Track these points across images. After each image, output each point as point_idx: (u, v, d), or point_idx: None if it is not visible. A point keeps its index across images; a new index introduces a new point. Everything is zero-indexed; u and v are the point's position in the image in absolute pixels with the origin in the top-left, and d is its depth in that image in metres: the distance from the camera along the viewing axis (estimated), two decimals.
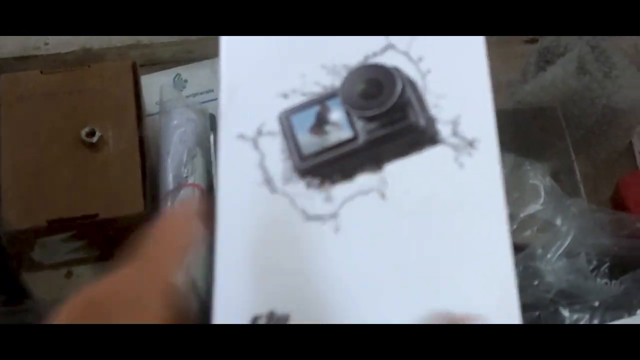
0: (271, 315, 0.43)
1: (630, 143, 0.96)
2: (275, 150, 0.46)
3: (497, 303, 0.43)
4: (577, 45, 0.89)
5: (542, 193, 0.73)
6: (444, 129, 0.46)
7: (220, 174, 0.46)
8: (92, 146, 0.83)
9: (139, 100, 0.87)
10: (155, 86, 0.93)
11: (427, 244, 0.44)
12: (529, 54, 0.95)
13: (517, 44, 1.01)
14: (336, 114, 0.46)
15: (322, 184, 0.45)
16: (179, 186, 0.81)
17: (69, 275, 0.88)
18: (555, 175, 0.83)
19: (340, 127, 0.46)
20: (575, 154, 0.87)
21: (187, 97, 0.95)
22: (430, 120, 0.46)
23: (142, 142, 0.84)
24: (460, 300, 0.43)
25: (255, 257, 0.44)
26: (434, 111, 0.46)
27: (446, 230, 0.44)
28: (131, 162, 0.83)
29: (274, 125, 0.46)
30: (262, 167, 0.45)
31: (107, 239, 0.84)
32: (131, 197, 0.81)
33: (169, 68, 0.99)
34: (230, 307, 0.43)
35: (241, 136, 0.46)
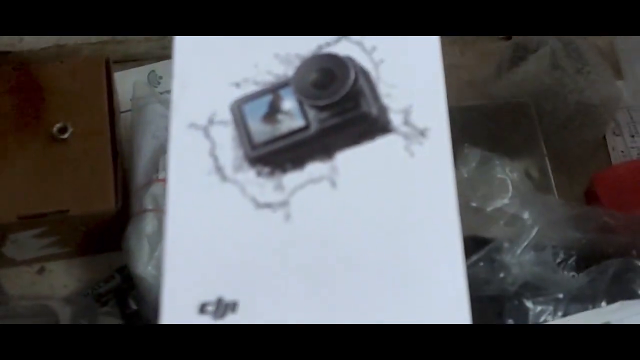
0: (219, 302, 0.43)
1: (604, 139, 0.96)
2: (226, 139, 0.46)
3: (446, 292, 0.43)
4: (550, 42, 0.89)
5: (510, 187, 0.73)
6: (395, 118, 0.46)
7: (170, 163, 0.46)
8: (64, 142, 0.83)
9: (112, 96, 0.86)
10: (129, 82, 0.93)
11: (377, 232, 0.44)
12: (503, 50, 0.95)
13: (491, 40, 1.01)
14: (288, 103, 0.46)
15: (272, 172, 0.45)
16: (149, 182, 0.81)
17: (41, 271, 0.87)
18: (527, 171, 0.83)
19: (293, 116, 0.46)
20: (549, 150, 0.87)
21: (162, 93, 0.95)
22: (382, 110, 0.46)
23: (114, 138, 0.84)
24: (411, 289, 0.43)
25: (204, 244, 0.44)
26: (386, 100, 0.46)
27: (396, 219, 0.44)
28: (103, 158, 0.83)
29: (225, 115, 0.46)
30: (213, 155, 0.45)
31: (79, 234, 0.84)
32: (102, 193, 0.81)
33: (144, 64, 0.98)
34: (179, 294, 0.43)
35: (193, 125, 0.46)
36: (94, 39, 0.98)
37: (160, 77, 0.97)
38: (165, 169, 0.81)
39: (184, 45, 0.49)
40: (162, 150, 0.83)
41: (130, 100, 0.91)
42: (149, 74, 0.98)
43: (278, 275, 0.43)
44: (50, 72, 0.87)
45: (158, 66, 0.98)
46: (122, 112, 0.92)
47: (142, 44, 0.99)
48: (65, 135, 0.83)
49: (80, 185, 0.81)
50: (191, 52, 0.49)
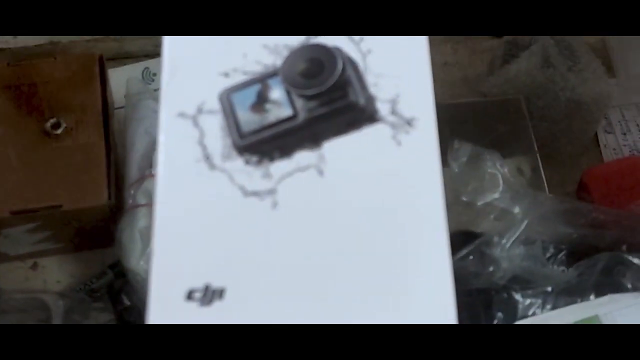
0: (207, 288, 0.43)
1: (596, 136, 0.96)
2: (215, 128, 0.46)
3: (432, 282, 0.44)
4: (541, 39, 0.90)
5: (500, 182, 0.73)
6: (383, 108, 0.46)
7: (160, 151, 0.46)
8: (57, 137, 0.83)
9: (106, 92, 0.87)
10: (123, 79, 0.93)
11: (363, 220, 0.44)
12: (496, 47, 0.95)
13: (483, 38, 1.01)
14: (277, 93, 0.47)
15: (260, 161, 0.45)
16: (142, 177, 0.81)
17: (34, 266, 0.88)
18: (519, 167, 0.83)
19: (281, 105, 0.46)
20: (540, 147, 0.87)
21: (156, 90, 0.95)
22: (370, 99, 0.46)
23: (107, 134, 0.84)
24: (396, 277, 0.44)
25: (192, 231, 0.44)
26: (373, 90, 0.47)
27: (382, 207, 0.45)
28: (96, 154, 0.83)
29: (214, 104, 0.47)
30: (202, 144, 0.46)
31: (72, 230, 0.84)
32: (95, 188, 0.81)
33: (138, 61, 0.99)
34: (166, 280, 0.43)
35: (182, 114, 0.47)
36: (87, 35, 0.98)
37: (154, 74, 0.98)
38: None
39: (172, 37, 0.49)
40: (155, 146, 0.83)
41: (124, 96, 0.91)
42: (142, 70, 0.98)
43: (265, 262, 0.44)
44: (44, 68, 0.87)
45: (152, 63, 0.99)
46: (116, 108, 0.92)
47: (135, 41, 0.99)
48: (59, 131, 0.83)
49: (73, 181, 0.81)
50: (180, 42, 0.49)
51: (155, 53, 0.99)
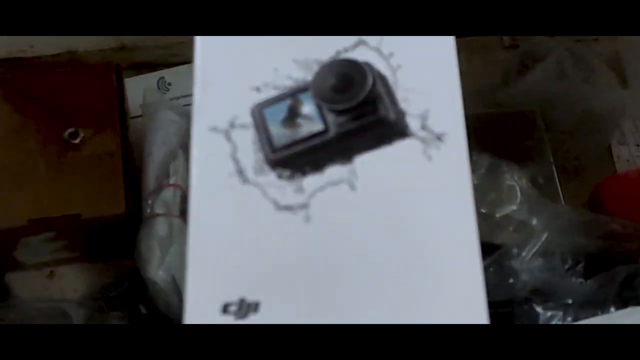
0: (241, 302, 0.43)
1: (609, 147, 0.97)
2: (247, 142, 0.47)
3: (464, 295, 0.44)
4: (556, 51, 0.90)
5: (519, 194, 0.73)
6: (413, 123, 0.47)
7: (193, 165, 0.47)
8: (75, 147, 0.83)
9: (122, 102, 0.87)
10: (139, 89, 0.93)
11: (395, 234, 0.45)
12: (510, 58, 0.95)
13: (498, 49, 1.02)
14: (308, 107, 0.47)
15: (293, 175, 0.46)
16: (160, 187, 0.81)
17: (51, 275, 0.88)
18: (534, 178, 0.83)
19: (312, 119, 0.47)
20: (555, 158, 0.88)
21: (171, 99, 0.96)
22: (400, 114, 0.47)
23: (124, 143, 0.84)
24: (427, 291, 0.44)
25: (226, 246, 0.45)
26: (403, 105, 0.47)
27: (414, 222, 0.45)
28: (113, 163, 0.83)
29: (246, 118, 0.47)
30: (234, 158, 0.46)
31: (89, 239, 0.85)
32: (113, 197, 0.82)
33: (153, 71, 0.99)
34: (202, 295, 0.44)
35: (214, 128, 0.47)
36: (104, 45, 0.99)
37: (169, 84, 0.98)
38: (175, 174, 0.82)
39: (205, 49, 0.50)
40: (172, 156, 0.84)
41: (140, 106, 0.92)
42: (158, 80, 0.99)
43: (298, 275, 0.44)
44: (62, 78, 0.88)
45: (167, 73, 0.99)
46: (132, 117, 0.93)
47: (151, 51, 1.00)
48: (77, 140, 0.83)
49: (91, 190, 0.82)
50: (212, 57, 0.49)
51: (171, 62, 1.00)
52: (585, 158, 0.93)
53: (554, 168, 0.86)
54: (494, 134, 0.88)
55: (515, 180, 0.74)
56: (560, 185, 0.85)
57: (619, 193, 0.85)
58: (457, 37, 0.51)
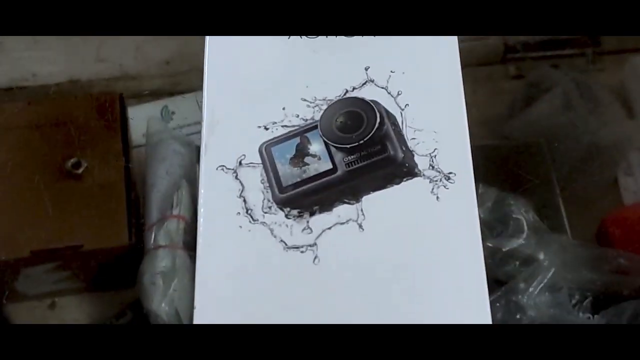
0: None
1: (616, 179, 0.96)
2: (255, 181, 0.46)
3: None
4: (562, 82, 0.90)
5: (525, 228, 0.73)
6: (421, 162, 0.46)
7: (201, 204, 0.46)
8: (78, 177, 0.83)
9: (126, 131, 0.87)
10: (142, 118, 0.93)
11: (403, 274, 0.44)
12: (516, 89, 0.95)
13: (503, 79, 1.02)
14: (316, 146, 0.47)
15: (301, 214, 0.45)
16: (163, 218, 0.81)
17: (52, 306, 0.87)
18: (540, 211, 0.83)
19: (320, 158, 0.46)
20: (561, 189, 0.87)
21: (174, 129, 0.95)
22: (408, 153, 0.46)
23: (127, 173, 0.84)
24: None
25: (234, 284, 0.44)
26: (411, 144, 0.47)
27: (422, 261, 0.45)
28: (116, 193, 0.83)
29: (254, 157, 0.47)
30: (242, 197, 0.46)
31: (91, 270, 0.84)
32: (116, 228, 0.81)
33: (156, 100, 0.99)
34: None
35: (222, 167, 0.47)
36: (106, 74, 0.98)
37: (173, 113, 0.98)
38: (179, 205, 0.81)
39: (213, 88, 0.50)
40: (175, 187, 0.84)
41: (144, 135, 0.91)
42: (161, 109, 0.98)
43: (306, 315, 0.44)
44: (65, 107, 0.87)
45: (170, 102, 0.99)
46: (135, 147, 0.92)
47: (154, 80, 0.99)
48: (80, 170, 0.83)
49: (93, 221, 0.81)
50: (220, 95, 0.49)
51: (174, 91, 1.00)
52: (591, 190, 0.93)
53: (560, 200, 0.85)
54: (500, 165, 0.87)
55: (521, 214, 0.74)
56: (566, 217, 0.85)
57: (626, 226, 0.85)
58: (462, 68, 0.51)
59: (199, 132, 0.93)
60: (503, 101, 0.97)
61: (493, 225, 0.72)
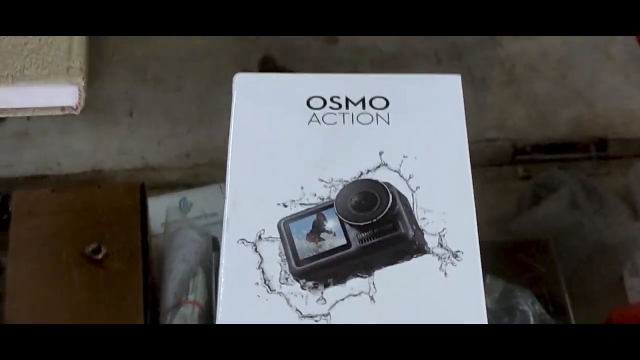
0: None
1: (621, 278, 0.98)
2: (273, 254, 0.49)
3: None
4: (569, 183, 0.92)
5: (532, 319, 0.74)
6: (430, 240, 0.49)
7: (221, 274, 0.49)
8: (97, 262, 0.85)
9: (145, 220, 0.89)
10: (162, 208, 0.96)
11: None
12: (523, 189, 0.98)
13: (511, 179, 1.04)
14: (331, 223, 0.49)
15: (316, 286, 0.48)
16: (178, 303, 0.83)
17: None
18: (546, 307, 0.85)
19: (335, 235, 0.49)
20: (567, 287, 0.89)
21: (192, 219, 0.98)
22: (418, 232, 0.49)
23: (145, 260, 0.86)
24: None
25: None
26: (421, 224, 0.49)
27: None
28: (134, 279, 0.85)
29: (273, 232, 0.50)
30: (261, 268, 0.48)
31: None
32: (132, 313, 0.83)
33: (176, 191, 1.02)
34: None
35: (243, 240, 0.50)
36: (128, 165, 1.01)
37: (191, 204, 1.01)
38: (194, 290, 0.84)
39: (236, 171, 0.53)
40: (191, 273, 0.86)
41: (162, 225, 0.94)
42: (180, 200, 1.01)
43: None
44: (88, 195, 0.90)
45: (189, 194, 1.01)
46: (154, 235, 0.95)
47: (174, 172, 1.02)
48: (99, 256, 0.85)
49: (110, 305, 0.83)
50: (243, 177, 0.52)
51: (193, 184, 1.02)
52: (597, 287, 0.94)
53: (566, 296, 0.87)
54: (508, 260, 0.89)
55: (528, 305, 0.75)
56: (572, 313, 0.86)
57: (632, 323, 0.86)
58: (472, 168, 0.54)
59: (216, 223, 0.97)
60: (511, 200, 1.00)
61: (500, 316, 0.74)
